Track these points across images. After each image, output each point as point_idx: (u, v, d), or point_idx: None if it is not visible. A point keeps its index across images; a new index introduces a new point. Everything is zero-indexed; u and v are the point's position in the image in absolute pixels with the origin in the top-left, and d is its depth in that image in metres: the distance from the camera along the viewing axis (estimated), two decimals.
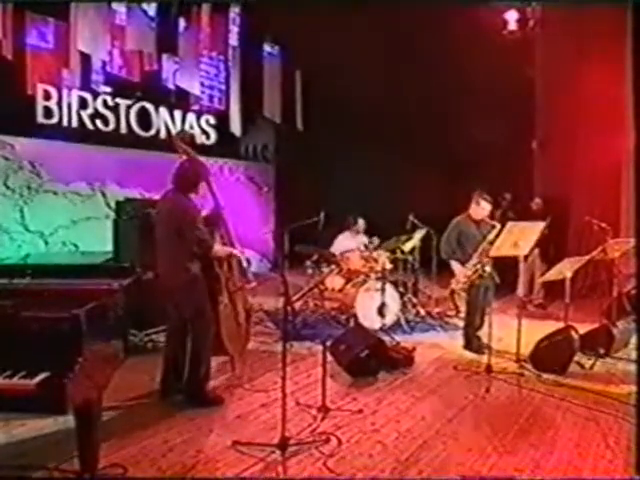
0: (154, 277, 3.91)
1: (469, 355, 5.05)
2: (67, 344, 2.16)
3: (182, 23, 9.16)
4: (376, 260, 6.15)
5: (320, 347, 4.17)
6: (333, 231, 6.75)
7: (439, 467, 2.94)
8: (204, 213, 3.83)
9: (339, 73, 9.20)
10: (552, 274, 5.11)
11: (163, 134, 9.58)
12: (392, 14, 8.19)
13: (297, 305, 6.27)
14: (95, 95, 8.74)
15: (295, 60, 10.19)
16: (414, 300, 6.58)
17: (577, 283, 6.65)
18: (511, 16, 8.03)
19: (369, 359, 4.36)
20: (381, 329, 5.66)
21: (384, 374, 4.42)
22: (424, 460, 3.00)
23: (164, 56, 9.12)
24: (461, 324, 5.61)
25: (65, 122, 8.48)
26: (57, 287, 2.70)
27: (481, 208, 5.07)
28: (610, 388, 4.16)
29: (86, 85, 8.54)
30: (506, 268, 5.22)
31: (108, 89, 8.83)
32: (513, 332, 4.74)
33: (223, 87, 10.05)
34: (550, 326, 5.15)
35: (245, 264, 4.02)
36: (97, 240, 7.22)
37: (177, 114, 9.80)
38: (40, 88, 8.17)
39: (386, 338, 5.09)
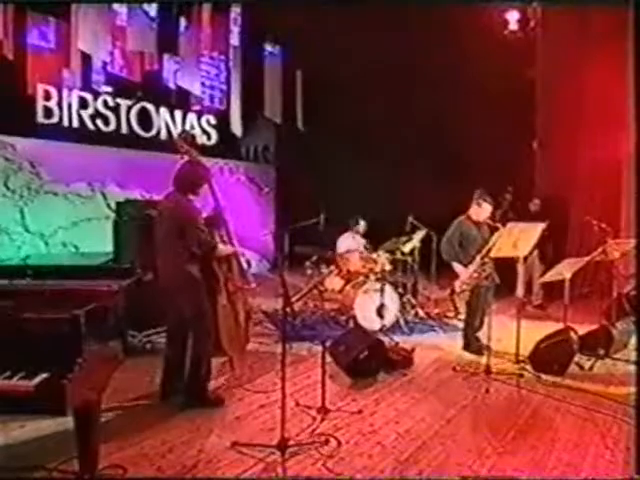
0: (154, 278, 3.91)
1: (468, 356, 5.05)
2: (67, 345, 2.16)
3: (183, 23, 9.17)
4: (375, 261, 6.16)
5: (319, 348, 4.18)
6: (333, 232, 6.75)
7: (438, 468, 2.94)
8: (205, 214, 3.83)
9: (339, 73, 9.21)
10: (552, 275, 5.11)
11: (164, 134, 9.59)
12: (393, 14, 8.19)
13: (296, 306, 6.29)
14: (96, 95, 8.75)
15: (296, 60, 10.19)
16: (413, 301, 6.57)
17: (577, 284, 6.65)
18: (512, 16, 8.02)
19: (368, 360, 4.36)
20: (380, 330, 5.66)
21: (383, 375, 4.43)
22: (423, 461, 3.01)
23: (165, 56, 9.13)
24: (460, 325, 5.61)
25: (66, 122, 8.49)
26: (57, 288, 2.70)
27: (482, 209, 5.06)
28: (609, 389, 4.16)
29: (87, 85, 8.54)
30: (505, 269, 5.22)
31: (109, 89, 8.83)
32: (512, 333, 4.74)
33: (224, 87, 10.05)
34: (549, 327, 5.15)
35: (245, 265, 4.03)
36: (97, 241, 7.21)
37: (178, 114, 9.81)
38: (40, 88, 8.17)
39: (385, 339, 5.09)
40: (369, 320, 5.74)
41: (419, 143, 9.02)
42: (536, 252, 6.88)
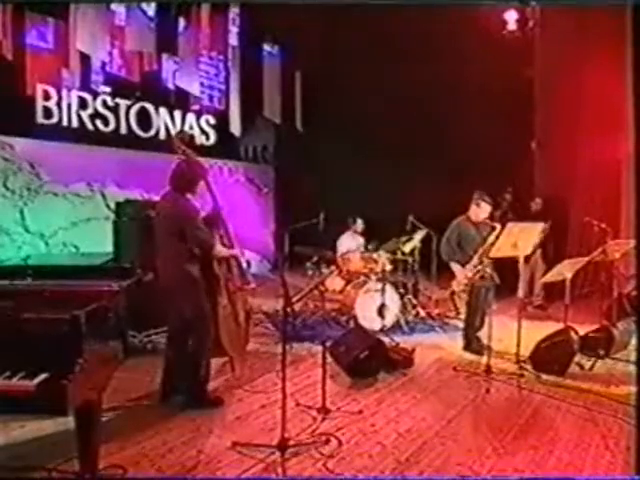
0: (154, 278, 3.90)
1: (469, 356, 5.05)
2: (67, 345, 2.16)
3: (182, 23, 9.17)
4: (376, 261, 6.16)
5: (320, 348, 4.17)
6: (333, 232, 6.74)
7: (439, 468, 2.94)
8: (203, 214, 3.83)
9: (338, 73, 9.21)
10: (552, 275, 5.11)
11: (163, 134, 9.58)
12: (392, 15, 8.18)
13: (297, 306, 6.26)
14: (95, 95, 8.74)
15: (295, 60, 10.18)
16: (414, 301, 6.57)
17: (577, 284, 6.65)
18: (510, 16, 8.01)
19: (369, 360, 4.35)
20: (381, 330, 5.66)
21: (384, 375, 4.43)
22: (424, 461, 3.01)
23: (164, 56, 9.13)
24: (461, 325, 5.60)
25: (65, 122, 8.47)
26: (57, 288, 2.69)
27: (481, 209, 5.07)
28: (610, 389, 4.16)
29: (86, 85, 8.53)
30: (506, 269, 5.22)
31: (108, 89, 8.83)
32: (513, 333, 4.73)
33: (223, 87, 10.05)
34: (550, 327, 5.15)
35: (245, 266, 4.02)
36: (97, 241, 7.20)
37: (177, 114, 9.80)
38: (40, 88, 8.16)
39: (386, 339, 5.09)
40: (370, 320, 5.73)
41: (419, 143, 9.01)
42: (539, 252, 6.88)
